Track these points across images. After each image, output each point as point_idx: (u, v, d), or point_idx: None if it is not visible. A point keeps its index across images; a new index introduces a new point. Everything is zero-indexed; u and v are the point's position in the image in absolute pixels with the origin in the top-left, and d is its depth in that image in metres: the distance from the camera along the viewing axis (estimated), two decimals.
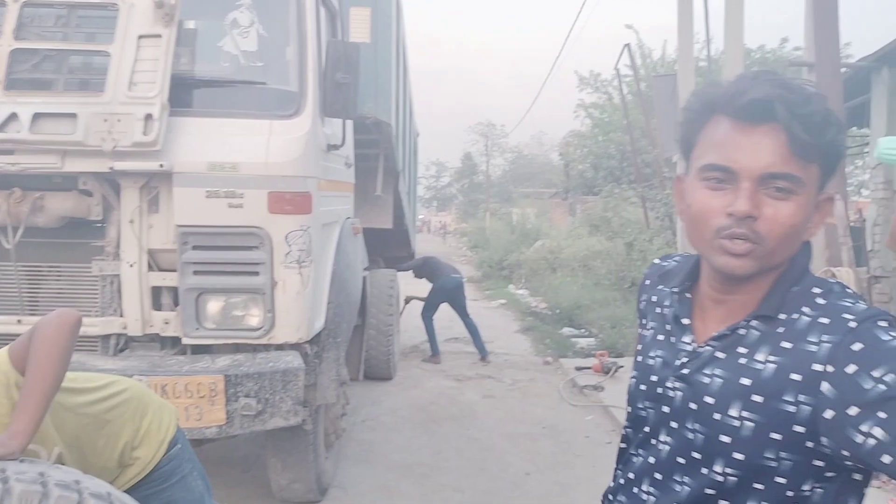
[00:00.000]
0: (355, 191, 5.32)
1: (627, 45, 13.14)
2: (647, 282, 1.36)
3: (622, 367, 7.78)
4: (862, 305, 1.04)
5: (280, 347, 3.67)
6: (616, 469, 1.30)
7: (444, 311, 9.01)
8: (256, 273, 3.54)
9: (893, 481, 0.98)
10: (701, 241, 1.10)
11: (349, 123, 4.24)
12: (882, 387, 0.92)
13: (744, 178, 1.03)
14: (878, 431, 0.91)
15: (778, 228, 1.03)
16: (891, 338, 0.96)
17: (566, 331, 10.97)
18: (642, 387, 1.22)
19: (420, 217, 59.28)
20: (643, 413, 1.21)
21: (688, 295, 1.20)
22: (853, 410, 0.94)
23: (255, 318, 3.58)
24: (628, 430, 1.28)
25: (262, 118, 3.61)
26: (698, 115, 1.10)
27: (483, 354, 8.89)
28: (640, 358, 1.26)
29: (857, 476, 1.05)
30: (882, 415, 0.91)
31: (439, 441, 5.79)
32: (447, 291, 8.81)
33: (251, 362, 3.54)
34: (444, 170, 62.49)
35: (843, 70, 7.92)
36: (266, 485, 4.36)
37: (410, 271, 9.09)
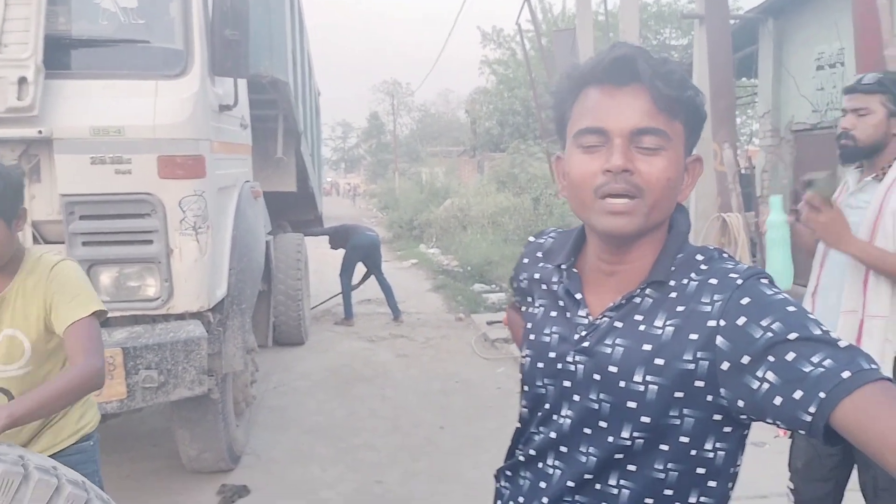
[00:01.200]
0: (255, 153, 5.17)
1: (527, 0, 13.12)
2: (526, 260, 1.35)
3: None
4: (743, 266, 1.10)
5: (181, 317, 3.58)
6: (515, 448, 1.30)
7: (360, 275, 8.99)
8: (150, 241, 3.41)
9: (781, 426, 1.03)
10: (583, 208, 1.12)
11: (242, 82, 4.09)
12: (769, 334, 0.98)
13: (615, 136, 1.07)
14: (770, 375, 0.96)
15: (654, 182, 1.07)
16: (773, 292, 1.04)
17: (477, 287, 11.13)
18: (540, 364, 1.21)
19: (328, 179, 58.58)
20: (542, 391, 1.21)
21: (575, 270, 1.21)
22: (746, 359, 0.99)
23: (151, 287, 3.46)
24: (525, 409, 1.27)
25: (147, 78, 3.44)
26: (568, 93, 1.14)
27: (396, 314, 8.91)
28: (532, 336, 1.25)
29: (746, 432, 1.11)
30: (771, 358, 0.97)
31: (353, 402, 5.80)
32: (363, 249, 8.74)
33: (150, 334, 3.43)
34: (350, 130, 61.72)
35: (732, 22, 8.17)
36: (176, 457, 4.28)
37: (326, 238, 8.99)
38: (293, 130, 6.46)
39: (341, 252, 8.92)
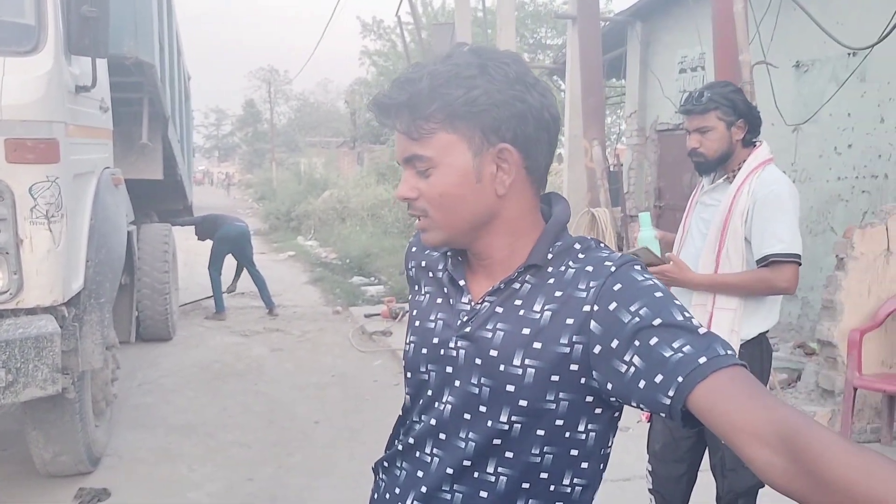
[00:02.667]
0: (118, 139, 4.90)
1: None
2: (414, 249, 1.37)
3: None
4: (617, 254, 1.14)
5: (32, 311, 3.33)
6: (395, 438, 1.30)
7: (230, 267, 8.72)
8: None
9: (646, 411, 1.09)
10: None
11: (102, 62, 3.85)
12: (637, 319, 1.02)
13: (402, 167, 1.16)
14: (636, 360, 1.00)
15: (430, 201, 1.13)
16: (644, 278, 1.08)
17: (356, 279, 11.06)
18: (424, 350, 1.22)
19: (201, 168, 56.45)
20: (425, 377, 1.22)
21: (459, 258, 1.24)
22: (615, 343, 1.03)
23: None
24: (407, 396, 1.28)
25: None
26: None
27: (270, 307, 8.70)
28: (417, 323, 1.26)
29: (617, 414, 1.15)
30: (637, 343, 1.01)
31: (225, 399, 5.62)
32: (230, 240, 8.45)
33: None
34: (224, 117, 59.59)
35: (602, 23, 8.48)
36: (29, 461, 4.00)
37: (194, 230, 8.64)
38: (160, 115, 6.17)
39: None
